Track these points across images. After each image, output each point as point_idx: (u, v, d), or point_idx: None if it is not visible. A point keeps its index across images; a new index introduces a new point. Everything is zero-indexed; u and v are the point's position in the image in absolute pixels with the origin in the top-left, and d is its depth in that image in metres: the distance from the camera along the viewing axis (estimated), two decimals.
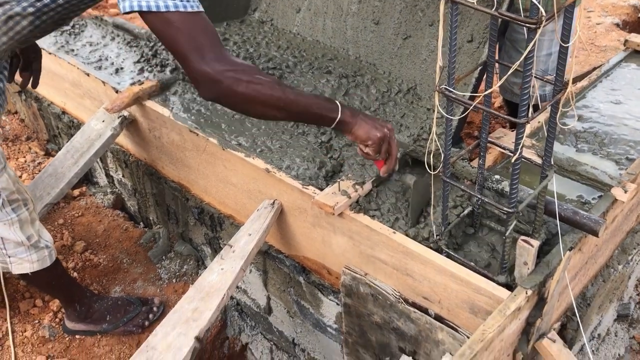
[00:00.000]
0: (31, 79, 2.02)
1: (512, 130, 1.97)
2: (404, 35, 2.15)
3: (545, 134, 1.42)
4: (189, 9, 1.39)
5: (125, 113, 2.29)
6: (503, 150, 1.54)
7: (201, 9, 1.43)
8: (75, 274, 2.43)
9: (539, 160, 1.46)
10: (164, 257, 2.54)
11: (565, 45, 1.27)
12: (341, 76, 2.21)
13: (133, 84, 2.29)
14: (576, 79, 2.97)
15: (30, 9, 1.51)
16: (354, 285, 1.76)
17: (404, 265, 1.59)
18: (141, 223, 2.75)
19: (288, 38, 2.42)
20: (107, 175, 2.80)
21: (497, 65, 1.47)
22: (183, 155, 2.20)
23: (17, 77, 1.99)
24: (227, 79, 1.38)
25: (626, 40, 2.52)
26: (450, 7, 1.25)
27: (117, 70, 2.46)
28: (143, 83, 2.26)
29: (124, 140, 2.49)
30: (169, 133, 2.19)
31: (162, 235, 2.59)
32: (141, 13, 1.40)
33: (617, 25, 4.19)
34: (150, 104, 2.21)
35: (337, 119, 1.52)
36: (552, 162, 1.45)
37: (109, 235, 2.62)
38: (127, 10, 1.39)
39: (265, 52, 2.37)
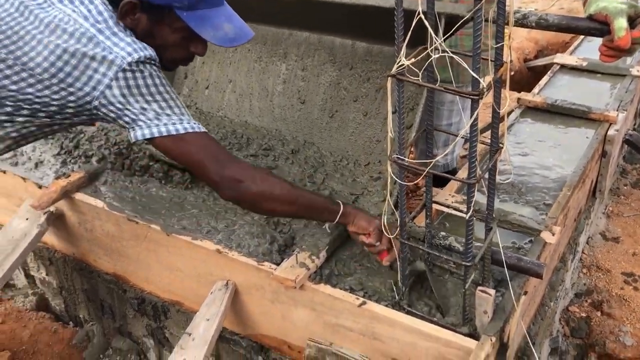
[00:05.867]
0: None
1: (440, 188, 2.12)
2: (330, 111, 2.26)
3: (486, 191, 1.57)
4: (197, 130, 1.57)
5: (51, 208, 2.19)
6: (451, 211, 1.67)
7: (204, 130, 1.61)
8: None
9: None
10: (101, 356, 2.39)
11: (497, 112, 1.43)
12: (271, 150, 2.28)
13: (58, 177, 2.20)
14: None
15: None
16: (320, 357, 1.76)
17: (371, 330, 1.63)
18: (70, 322, 2.58)
19: (216, 121, 2.46)
20: (27, 275, 2.62)
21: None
22: (120, 245, 2.13)
23: None
24: (247, 179, 1.57)
25: (518, 99, 2.82)
26: (397, 84, 1.38)
27: (36, 165, 2.35)
28: (70, 175, 2.18)
29: (48, 236, 2.36)
30: (104, 224, 2.12)
31: (97, 333, 2.44)
32: (152, 139, 1.53)
33: None
34: (81, 196, 2.14)
35: (340, 212, 1.71)
36: (494, 216, 1.59)
37: (36, 340, 2.42)
38: (140, 138, 1.52)
39: None
